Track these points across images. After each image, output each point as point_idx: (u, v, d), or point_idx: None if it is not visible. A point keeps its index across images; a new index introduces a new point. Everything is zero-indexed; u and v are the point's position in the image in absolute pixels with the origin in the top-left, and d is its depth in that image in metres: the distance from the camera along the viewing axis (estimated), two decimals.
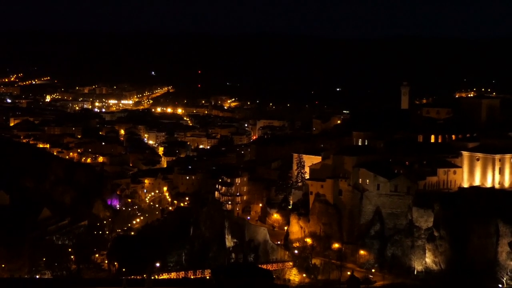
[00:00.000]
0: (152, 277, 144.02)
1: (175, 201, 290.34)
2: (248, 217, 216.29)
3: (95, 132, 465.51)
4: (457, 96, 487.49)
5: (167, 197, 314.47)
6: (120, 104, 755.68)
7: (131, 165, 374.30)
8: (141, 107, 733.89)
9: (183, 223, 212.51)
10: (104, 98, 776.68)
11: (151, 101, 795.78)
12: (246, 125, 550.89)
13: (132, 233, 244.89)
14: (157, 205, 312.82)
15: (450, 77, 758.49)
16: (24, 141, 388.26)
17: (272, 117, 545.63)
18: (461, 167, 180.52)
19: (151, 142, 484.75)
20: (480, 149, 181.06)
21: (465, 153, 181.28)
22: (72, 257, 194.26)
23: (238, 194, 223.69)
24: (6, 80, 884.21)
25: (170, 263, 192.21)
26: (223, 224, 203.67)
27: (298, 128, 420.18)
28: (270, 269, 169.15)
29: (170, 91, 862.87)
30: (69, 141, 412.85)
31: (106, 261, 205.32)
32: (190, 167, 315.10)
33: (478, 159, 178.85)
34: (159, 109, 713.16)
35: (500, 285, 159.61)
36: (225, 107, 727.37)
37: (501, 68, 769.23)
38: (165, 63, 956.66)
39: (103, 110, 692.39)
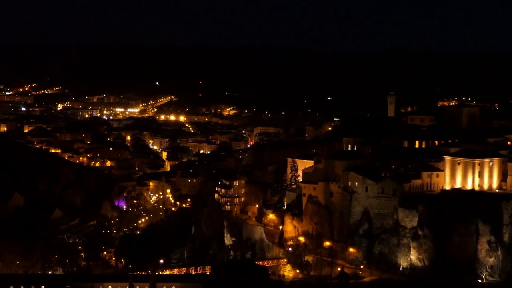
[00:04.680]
0: (156, 273, 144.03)
1: (178, 203, 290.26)
2: (246, 218, 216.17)
3: (103, 138, 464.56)
4: (439, 105, 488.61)
5: (170, 198, 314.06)
6: (127, 112, 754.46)
7: (136, 169, 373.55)
8: (146, 115, 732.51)
9: (185, 223, 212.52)
10: (111, 107, 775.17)
11: (155, 109, 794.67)
12: (243, 131, 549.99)
13: (138, 232, 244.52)
14: (161, 206, 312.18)
15: (433, 87, 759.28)
16: (37, 146, 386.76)
17: (268, 124, 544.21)
18: (443, 170, 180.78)
19: (155, 147, 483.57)
20: (461, 154, 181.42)
21: (447, 158, 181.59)
22: (82, 254, 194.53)
23: (236, 195, 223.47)
24: (21, 90, 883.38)
25: (173, 260, 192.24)
26: (222, 224, 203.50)
27: (292, 134, 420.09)
28: (266, 265, 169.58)
29: (173, 100, 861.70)
30: (79, 146, 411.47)
31: (114, 258, 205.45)
32: (191, 170, 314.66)
33: (459, 163, 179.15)
34: (163, 117, 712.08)
35: (479, 281, 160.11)
36: (224, 115, 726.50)
37: (481, 78, 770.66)
38: (168, 74, 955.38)
39: (111, 117, 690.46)
